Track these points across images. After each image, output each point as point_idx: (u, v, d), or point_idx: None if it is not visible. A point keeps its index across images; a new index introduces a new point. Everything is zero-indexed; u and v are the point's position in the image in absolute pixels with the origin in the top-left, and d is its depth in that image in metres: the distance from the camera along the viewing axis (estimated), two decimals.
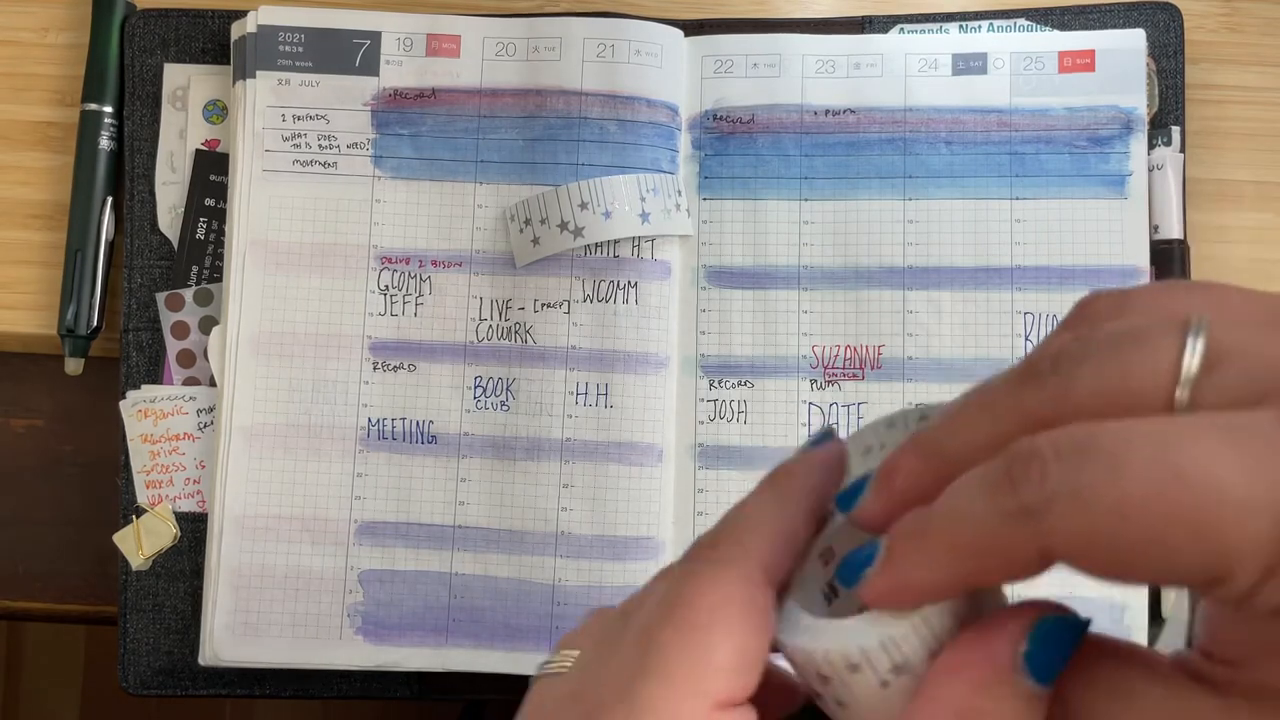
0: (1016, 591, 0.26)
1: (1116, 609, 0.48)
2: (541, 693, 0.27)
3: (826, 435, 0.27)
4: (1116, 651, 0.22)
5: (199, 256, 0.51)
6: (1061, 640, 0.22)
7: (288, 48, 0.51)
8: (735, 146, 0.51)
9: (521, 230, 0.50)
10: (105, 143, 0.52)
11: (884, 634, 0.23)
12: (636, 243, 0.50)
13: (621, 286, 0.50)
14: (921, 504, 0.23)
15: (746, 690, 0.24)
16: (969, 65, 0.51)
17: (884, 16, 0.52)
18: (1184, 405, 0.20)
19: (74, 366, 0.51)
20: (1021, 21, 0.51)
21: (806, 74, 0.51)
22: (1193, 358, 0.20)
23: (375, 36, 0.51)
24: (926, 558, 0.22)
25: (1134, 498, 0.19)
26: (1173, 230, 0.50)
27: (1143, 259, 0.49)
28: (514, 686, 0.49)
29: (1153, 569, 0.19)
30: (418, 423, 0.50)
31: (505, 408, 0.50)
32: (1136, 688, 0.22)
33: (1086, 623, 0.22)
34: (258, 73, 0.51)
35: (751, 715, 0.24)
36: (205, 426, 0.50)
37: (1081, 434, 0.20)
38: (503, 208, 0.50)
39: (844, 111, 0.51)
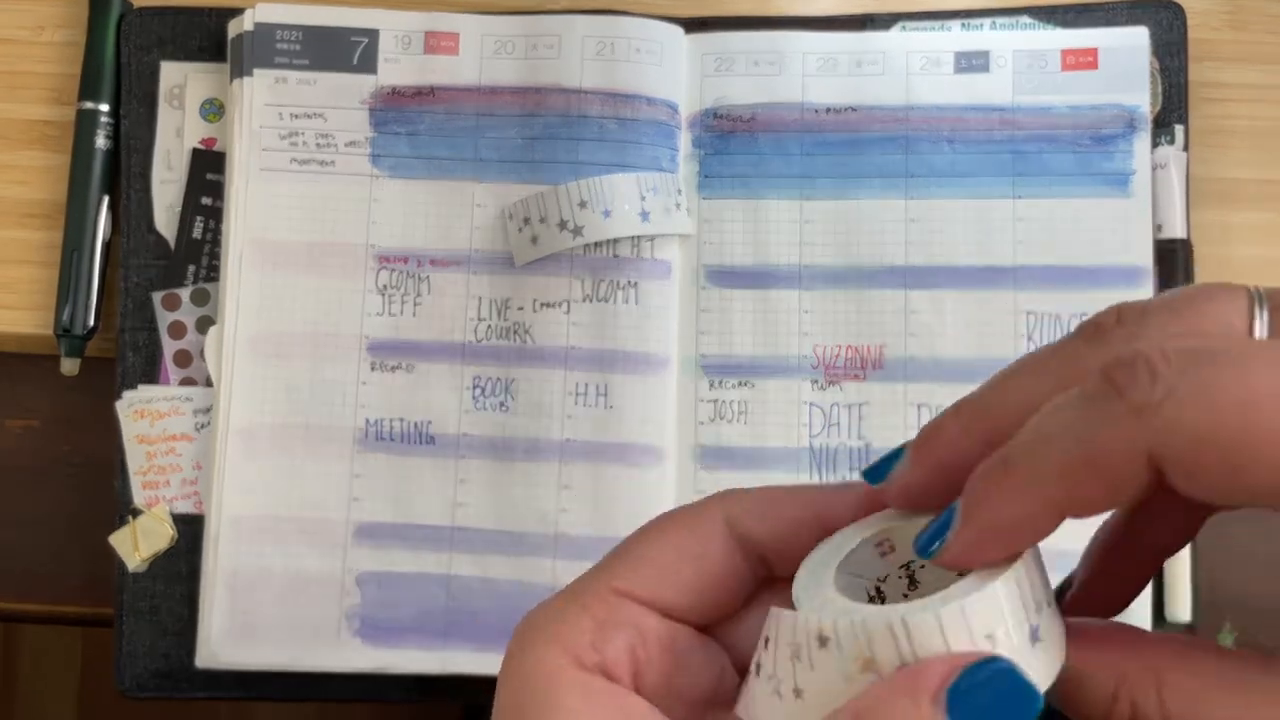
0: None
1: None
2: None
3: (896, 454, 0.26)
4: (1204, 645, 0.21)
5: (196, 256, 0.51)
6: (997, 689, 0.20)
7: (285, 45, 0.51)
8: (736, 145, 0.51)
9: (520, 229, 0.50)
10: (102, 141, 0.51)
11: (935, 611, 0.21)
12: (636, 242, 0.50)
13: (621, 286, 0.50)
14: (966, 475, 0.22)
15: (645, 588, 0.25)
16: (971, 63, 0.50)
17: (886, 14, 0.52)
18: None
19: (70, 367, 0.51)
20: (1024, 19, 0.51)
21: (808, 72, 0.51)
22: (1261, 307, 0.20)
23: (373, 34, 0.51)
24: (1016, 488, 0.21)
25: (1263, 390, 0.18)
26: (1176, 229, 0.49)
27: (1146, 258, 0.49)
28: None
29: (1273, 469, 0.18)
30: (416, 423, 0.50)
31: (504, 408, 0.49)
32: (1242, 677, 0.20)
33: (1036, 696, 0.20)
34: (255, 71, 0.51)
35: (642, 614, 0.25)
36: (202, 427, 0.50)
37: (1189, 341, 0.20)
38: (502, 207, 0.50)
39: (845, 110, 0.51)
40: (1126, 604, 0.25)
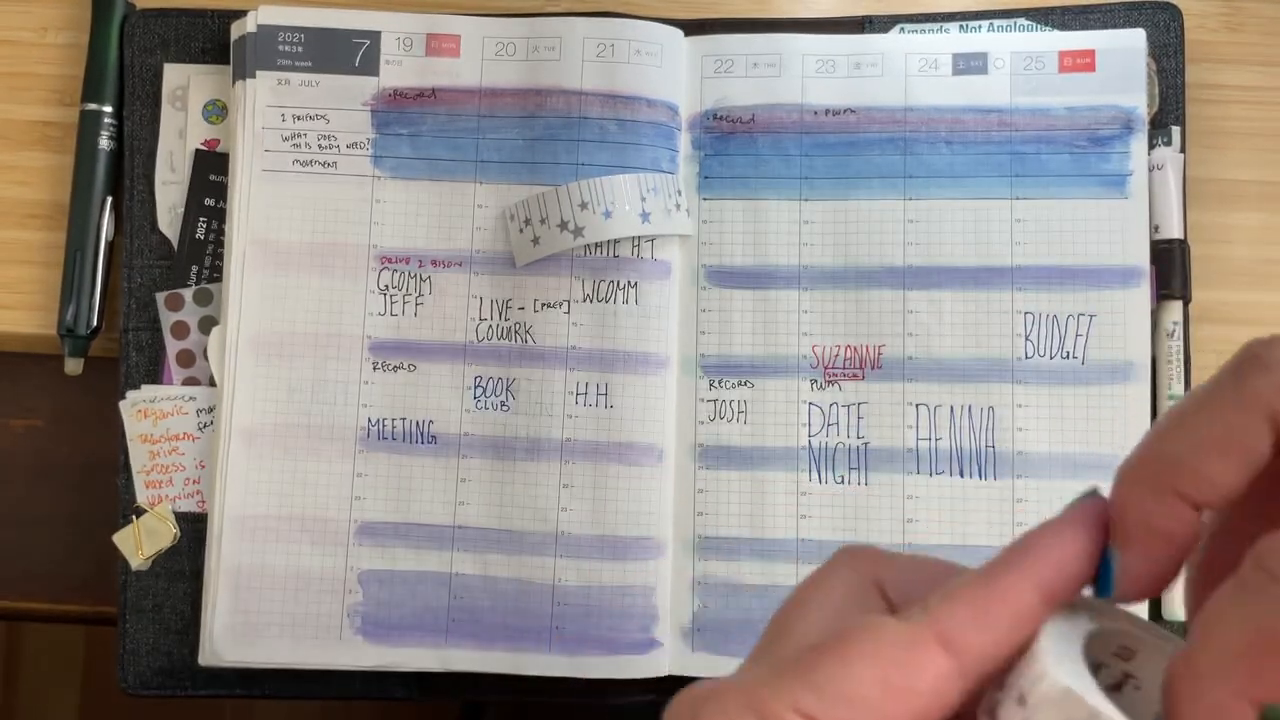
0: None
1: None
2: None
3: (1091, 494, 0.25)
4: None
5: (199, 256, 0.51)
6: None
7: (287, 47, 0.51)
8: (735, 146, 0.51)
9: (521, 230, 0.50)
10: (105, 142, 0.52)
11: None
12: (636, 242, 0.50)
13: (621, 286, 0.50)
14: (1174, 532, 0.23)
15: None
16: (969, 65, 0.51)
17: (884, 16, 0.52)
18: None
19: (73, 366, 0.51)
20: (1022, 21, 0.51)
21: (807, 73, 0.51)
22: None
23: (375, 36, 0.51)
24: (1215, 695, 0.21)
25: None
26: (1173, 230, 0.50)
27: (1143, 259, 0.49)
28: (513, 687, 0.49)
29: None
30: (418, 423, 0.50)
31: (505, 408, 0.50)
32: None
33: None
34: (257, 73, 0.51)
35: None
36: (205, 427, 0.50)
37: None
38: (503, 207, 0.50)
39: (844, 111, 0.51)
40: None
